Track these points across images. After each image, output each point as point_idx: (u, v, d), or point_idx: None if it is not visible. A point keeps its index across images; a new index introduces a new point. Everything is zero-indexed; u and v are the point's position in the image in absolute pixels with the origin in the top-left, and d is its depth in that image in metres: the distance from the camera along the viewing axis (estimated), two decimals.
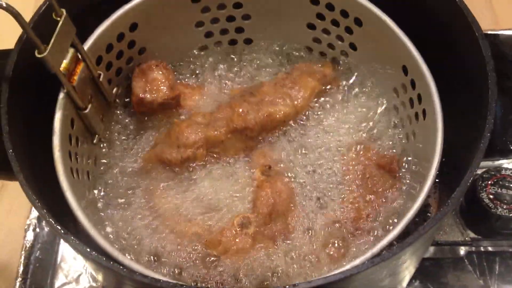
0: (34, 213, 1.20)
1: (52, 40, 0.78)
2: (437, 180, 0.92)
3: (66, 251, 1.16)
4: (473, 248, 1.03)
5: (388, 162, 0.95)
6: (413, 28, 0.91)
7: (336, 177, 0.97)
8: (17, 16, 0.72)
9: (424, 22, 0.91)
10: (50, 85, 0.83)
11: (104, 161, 1.01)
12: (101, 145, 0.99)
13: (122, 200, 0.98)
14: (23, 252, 1.13)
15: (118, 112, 1.05)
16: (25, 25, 0.74)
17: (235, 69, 1.13)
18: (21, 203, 1.27)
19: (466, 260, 1.03)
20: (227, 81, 1.11)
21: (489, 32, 1.01)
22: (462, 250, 1.03)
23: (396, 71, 0.96)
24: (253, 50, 1.15)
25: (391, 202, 0.93)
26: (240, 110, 0.96)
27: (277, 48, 1.14)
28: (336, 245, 0.90)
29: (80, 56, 0.87)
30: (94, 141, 0.96)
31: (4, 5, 0.71)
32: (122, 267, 0.63)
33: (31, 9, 0.85)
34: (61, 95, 0.84)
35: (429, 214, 0.93)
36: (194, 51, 1.13)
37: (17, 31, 0.77)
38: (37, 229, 1.17)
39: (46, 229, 1.18)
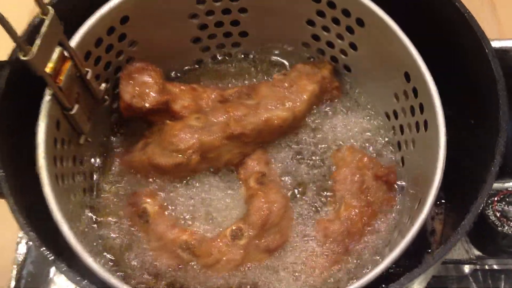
0: None
1: (38, 41, 0.73)
2: (443, 201, 0.91)
3: None
4: (478, 266, 1.00)
5: (386, 173, 0.92)
6: (421, 40, 0.86)
7: (332, 187, 0.94)
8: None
9: (432, 36, 0.87)
10: (40, 92, 0.79)
11: (92, 161, 0.97)
12: (88, 146, 0.94)
13: (110, 205, 0.94)
14: (15, 266, 1.08)
15: (107, 108, 1.00)
16: (7, 25, 0.69)
17: (229, 66, 1.10)
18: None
19: (470, 278, 1.01)
20: (221, 80, 1.07)
21: (496, 43, 0.96)
22: (467, 268, 1.00)
23: (398, 77, 0.93)
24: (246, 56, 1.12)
25: (388, 216, 0.91)
26: (237, 114, 0.91)
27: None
28: (332, 261, 0.87)
29: (67, 54, 0.82)
30: (81, 141, 0.91)
31: None
32: None
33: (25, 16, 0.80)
34: (47, 98, 0.79)
35: (434, 237, 0.91)
36: (188, 45, 1.07)
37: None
38: (30, 242, 1.12)
39: None
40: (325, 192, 0.95)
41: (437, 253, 0.65)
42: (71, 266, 0.68)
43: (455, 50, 0.87)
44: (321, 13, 0.99)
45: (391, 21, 0.89)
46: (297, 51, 1.10)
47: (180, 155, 0.89)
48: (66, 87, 0.81)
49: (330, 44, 1.05)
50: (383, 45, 0.93)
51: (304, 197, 0.94)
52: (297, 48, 1.10)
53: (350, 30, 0.98)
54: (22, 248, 1.11)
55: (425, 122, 0.87)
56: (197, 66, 1.12)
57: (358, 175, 0.93)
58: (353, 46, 1.01)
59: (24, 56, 0.71)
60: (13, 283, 1.07)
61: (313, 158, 0.98)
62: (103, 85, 0.95)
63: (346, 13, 0.96)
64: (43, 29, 0.74)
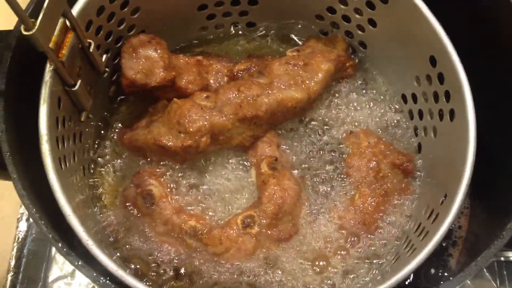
0: None
1: (42, 13, 0.65)
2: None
3: None
4: (495, 258, 0.98)
5: (403, 162, 0.88)
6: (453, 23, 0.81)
7: (346, 172, 0.90)
8: None
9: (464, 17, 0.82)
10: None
11: (91, 138, 0.91)
12: (88, 122, 0.87)
13: (111, 185, 0.89)
14: (15, 244, 1.00)
15: (106, 80, 0.92)
16: None
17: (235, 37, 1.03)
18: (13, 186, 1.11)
19: (485, 269, 0.99)
20: (227, 53, 1.00)
21: None
22: None
23: (422, 60, 0.87)
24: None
25: (404, 206, 0.88)
26: (250, 94, 0.85)
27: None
28: (345, 250, 0.84)
29: (69, 25, 0.74)
30: (82, 119, 0.84)
31: None
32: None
33: None
34: (48, 75, 0.72)
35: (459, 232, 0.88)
36: (193, 12, 0.99)
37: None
38: (31, 219, 1.04)
39: None
40: (338, 178, 0.90)
41: (477, 262, 0.63)
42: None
43: (489, 29, 0.82)
44: None
45: (420, 1, 0.83)
46: (309, 24, 1.04)
47: (189, 137, 0.83)
48: (68, 62, 0.74)
49: (346, 18, 0.98)
50: (407, 25, 0.88)
51: (316, 182, 0.90)
52: (309, 20, 1.03)
53: (370, 5, 0.92)
54: (23, 225, 1.04)
55: (451, 112, 0.82)
56: (202, 33, 1.04)
57: (374, 162, 0.89)
58: (372, 22, 0.95)
59: (26, 30, 0.64)
60: (13, 262, 1.00)
61: (326, 140, 0.93)
62: (104, 56, 0.88)
63: None
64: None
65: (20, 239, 1.00)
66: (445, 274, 0.87)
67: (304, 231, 0.86)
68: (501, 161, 0.81)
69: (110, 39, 0.89)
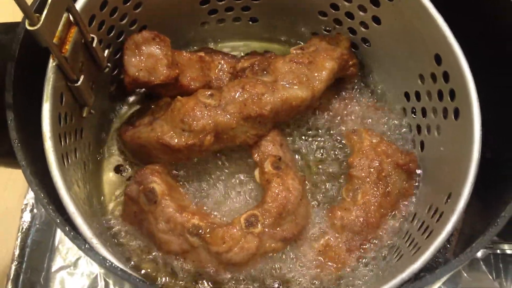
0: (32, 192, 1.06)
1: (47, 8, 0.65)
2: None
3: None
4: (491, 250, 0.98)
5: (406, 162, 0.88)
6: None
7: (349, 172, 0.89)
8: None
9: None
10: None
11: (92, 134, 0.90)
12: (89, 118, 0.86)
13: (112, 182, 0.88)
14: (19, 234, 1.01)
15: (107, 76, 0.91)
16: None
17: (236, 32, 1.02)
18: (17, 177, 1.11)
19: (481, 262, 0.99)
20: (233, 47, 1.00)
21: None
22: (480, 252, 0.98)
23: (426, 58, 0.87)
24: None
25: (407, 204, 0.87)
26: (254, 92, 0.84)
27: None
28: (348, 250, 0.84)
29: (72, 20, 0.73)
30: (84, 114, 0.83)
31: None
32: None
33: None
34: (51, 70, 0.71)
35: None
36: (195, 6, 0.99)
37: None
38: (35, 210, 1.04)
39: None
40: (341, 177, 0.90)
41: (472, 248, 0.64)
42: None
43: (495, 27, 0.81)
44: None
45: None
46: (312, 20, 1.03)
47: (193, 136, 0.82)
48: (72, 57, 0.73)
49: (349, 15, 0.97)
50: (412, 23, 0.87)
51: (319, 182, 0.90)
52: (312, 16, 1.02)
53: (375, 2, 0.91)
54: (27, 216, 1.04)
55: (456, 110, 0.82)
56: (203, 28, 1.03)
57: (376, 162, 0.88)
58: (376, 19, 0.94)
59: (31, 25, 0.63)
60: (17, 251, 1.00)
61: (328, 139, 0.93)
62: (106, 51, 0.87)
63: None
64: None
65: (24, 230, 1.01)
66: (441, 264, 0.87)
67: (307, 231, 0.85)
68: (500, 156, 0.81)
69: (112, 34, 0.88)
